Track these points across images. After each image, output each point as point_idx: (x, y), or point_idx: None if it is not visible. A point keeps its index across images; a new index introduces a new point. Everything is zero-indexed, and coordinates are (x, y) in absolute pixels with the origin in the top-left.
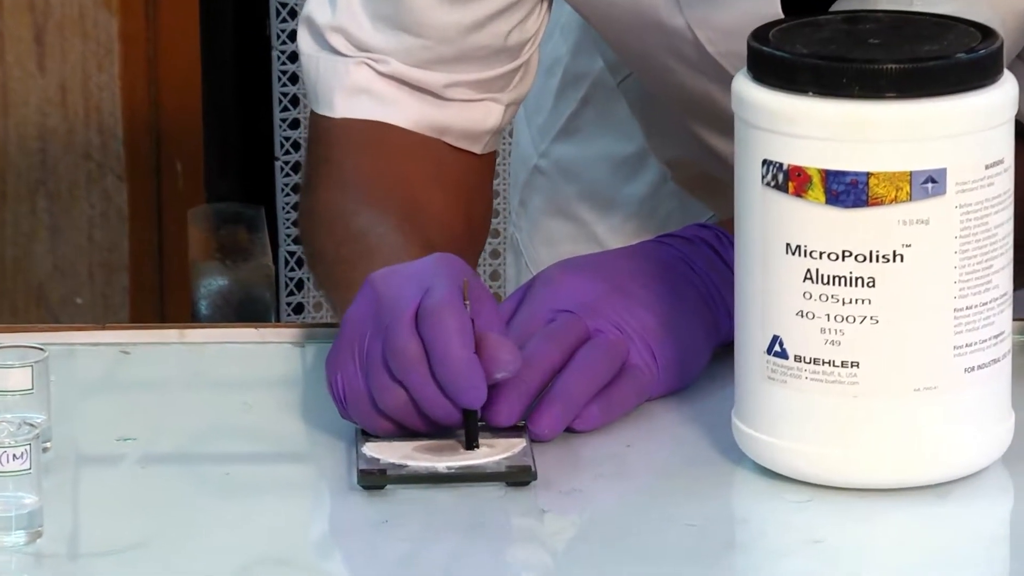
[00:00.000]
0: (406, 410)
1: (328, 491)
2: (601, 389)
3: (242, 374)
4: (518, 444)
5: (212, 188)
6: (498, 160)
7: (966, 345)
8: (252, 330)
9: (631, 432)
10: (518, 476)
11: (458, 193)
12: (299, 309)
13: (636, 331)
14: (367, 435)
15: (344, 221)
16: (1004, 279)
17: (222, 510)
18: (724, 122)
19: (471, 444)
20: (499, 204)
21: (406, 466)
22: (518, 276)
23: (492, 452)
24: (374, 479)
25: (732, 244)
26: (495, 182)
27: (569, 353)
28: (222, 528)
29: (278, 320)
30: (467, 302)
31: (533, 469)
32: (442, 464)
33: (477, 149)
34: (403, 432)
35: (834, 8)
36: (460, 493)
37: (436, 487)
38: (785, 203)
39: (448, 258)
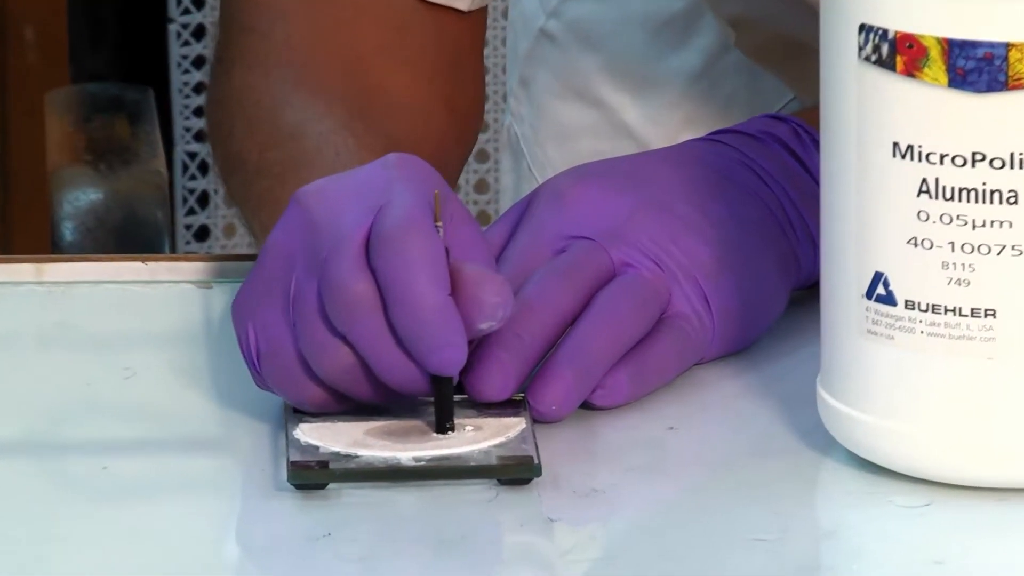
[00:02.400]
0: (352, 375)
1: (246, 493)
2: (631, 348)
3: (124, 327)
4: (515, 426)
5: (79, 62)
6: (488, 21)
7: None
8: (138, 264)
9: (674, 409)
10: (515, 471)
11: (435, 70)
12: (203, 234)
13: (681, 266)
14: (300, 413)
15: (271, 114)
16: None
17: (96, 519)
18: None
19: (444, 426)
20: (489, 86)
21: (356, 456)
22: (517, 186)
23: (478, 437)
24: (311, 475)
25: (817, 144)
26: (484, 53)
27: (585, 297)
28: (96, 544)
29: (173, 250)
30: (439, 223)
31: (536, 461)
32: (407, 454)
33: (462, 5)
34: (349, 408)
35: None
36: (432, 495)
37: (398, 487)
38: (891, 86)
39: (409, 161)
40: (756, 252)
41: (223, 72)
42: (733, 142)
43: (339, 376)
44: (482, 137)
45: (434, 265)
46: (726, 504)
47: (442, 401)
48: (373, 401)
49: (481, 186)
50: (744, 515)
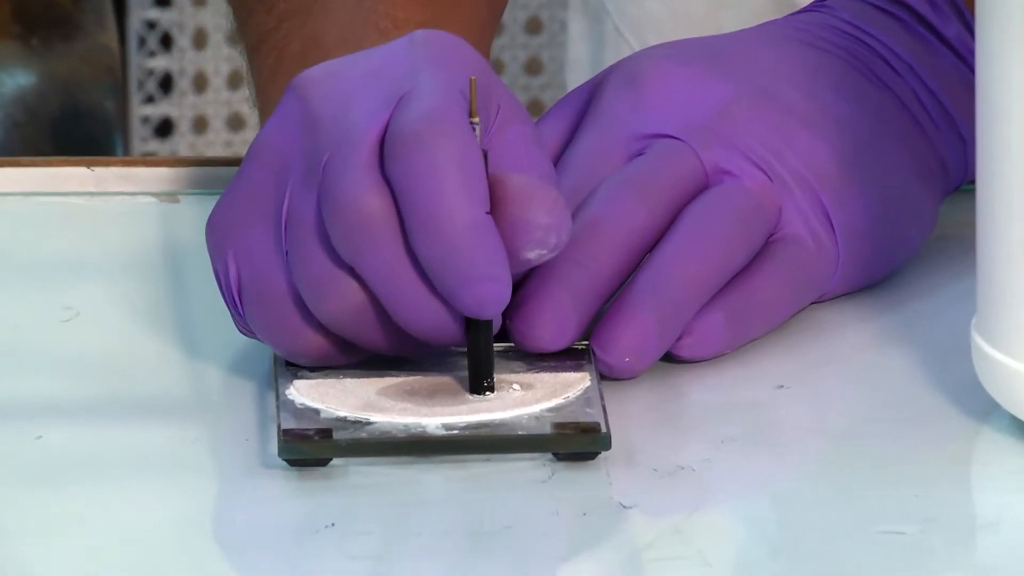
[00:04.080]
0: (362, 318)
1: (223, 471)
2: (729, 282)
3: (63, 253)
4: (576, 384)
5: None
6: None
7: None
8: (81, 170)
9: (784, 362)
10: (576, 443)
11: None
12: (166, 129)
13: (795, 173)
14: (295, 367)
15: None
16: None
17: (27, 505)
18: None
19: (480, 385)
20: None
21: (367, 423)
22: (596, 56)
23: (528, 399)
24: (308, 448)
25: (954, 4)
26: None
27: (669, 214)
28: (27, 538)
29: (128, 152)
30: (475, 120)
31: (604, 430)
32: (434, 420)
33: None
34: (357, 360)
35: None
36: (467, 475)
37: (423, 463)
38: None
39: (440, 39)
40: (891, 155)
41: None
42: (848, 15)
43: (345, 319)
44: (533, 2)
45: (468, 174)
46: (852, 487)
47: (478, 352)
48: (388, 352)
49: (533, 66)
50: (876, 501)
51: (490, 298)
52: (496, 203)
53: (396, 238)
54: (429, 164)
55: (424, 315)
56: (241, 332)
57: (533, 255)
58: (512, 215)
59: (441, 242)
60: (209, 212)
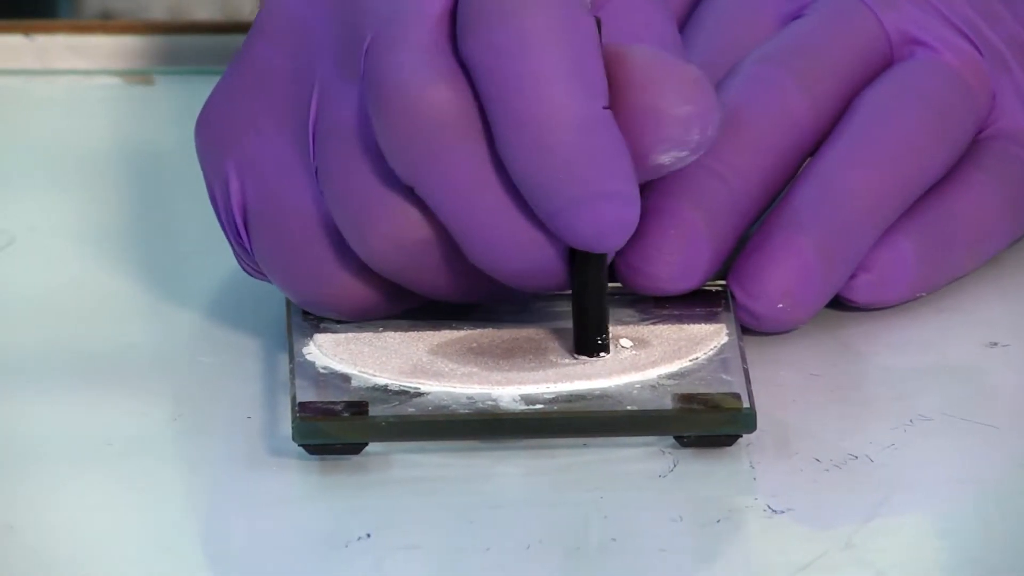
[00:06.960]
0: (424, 255)
1: (218, 461)
2: (922, 198)
3: None
4: (708, 340)
5: None
6: None
7: None
8: (17, 39)
9: (1000, 311)
10: (709, 422)
11: None
12: None
13: (1016, 45)
14: (317, 318)
15: None
16: None
17: None
18: None
19: (592, 342)
20: None
21: (417, 393)
22: None
23: (641, 360)
24: (335, 428)
25: None
26: None
27: (838, 103)
28: None
29: (78, 12)
30: None
31: (747, 405)
32: (510, 390)
33: None
34: (404, 308)
35: None
36: (556, 467)
37: (494, 451)
38: None
39: None
40: None
41: None
42: None
43: (399, 257)
44: None
45: (578, 52)
46: None
47: (587, 298)
48: (454, 300)
49: None
50: None
51: (611, 223)
52: (615, 89)
53: (477, 144)
54: (523, 39)
55: (514, 250)
56: (245, 270)
57: (667, 159)
58: (638, 105)
59: (542, 147)
60: (201, 102)
